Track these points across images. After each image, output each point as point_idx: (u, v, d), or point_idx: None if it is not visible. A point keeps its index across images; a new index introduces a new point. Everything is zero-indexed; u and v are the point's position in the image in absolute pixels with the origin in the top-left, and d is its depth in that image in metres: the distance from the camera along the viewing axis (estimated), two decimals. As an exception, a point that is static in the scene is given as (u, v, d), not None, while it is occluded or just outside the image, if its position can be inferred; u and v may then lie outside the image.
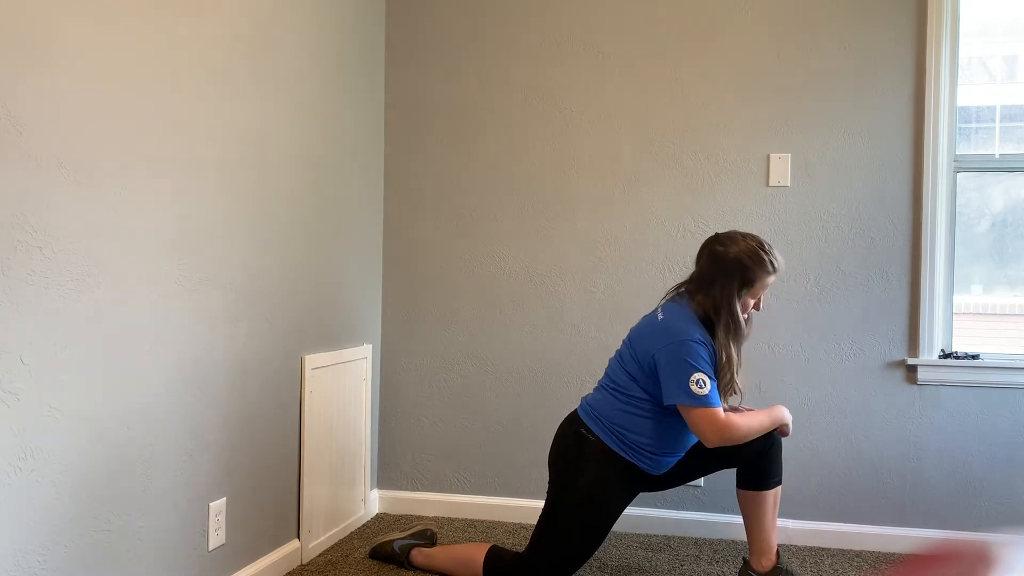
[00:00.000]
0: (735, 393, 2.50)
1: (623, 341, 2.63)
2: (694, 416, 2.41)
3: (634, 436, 2.51)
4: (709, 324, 2.50)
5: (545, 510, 2.59)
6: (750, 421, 2.46)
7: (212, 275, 2.41)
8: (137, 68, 2.09)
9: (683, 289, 2.58)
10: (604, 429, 2.53)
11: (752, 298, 2.51)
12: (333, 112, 3.09)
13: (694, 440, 2.58)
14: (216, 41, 2.40)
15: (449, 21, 3.49)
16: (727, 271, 2.48)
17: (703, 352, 2.42)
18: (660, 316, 2.51)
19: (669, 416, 2.51)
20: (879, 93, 3.16)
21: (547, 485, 2.63)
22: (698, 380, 2.38)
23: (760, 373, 3.23)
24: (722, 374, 2.47)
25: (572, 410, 2.73)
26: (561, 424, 2.66)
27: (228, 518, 2.51)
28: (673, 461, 2.61)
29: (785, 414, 2.57)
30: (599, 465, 2.52)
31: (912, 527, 3.15)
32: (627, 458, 2.52)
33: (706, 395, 2.38)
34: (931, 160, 3.11)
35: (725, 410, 2.48)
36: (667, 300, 2.58)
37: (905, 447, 3.17)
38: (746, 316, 2.51)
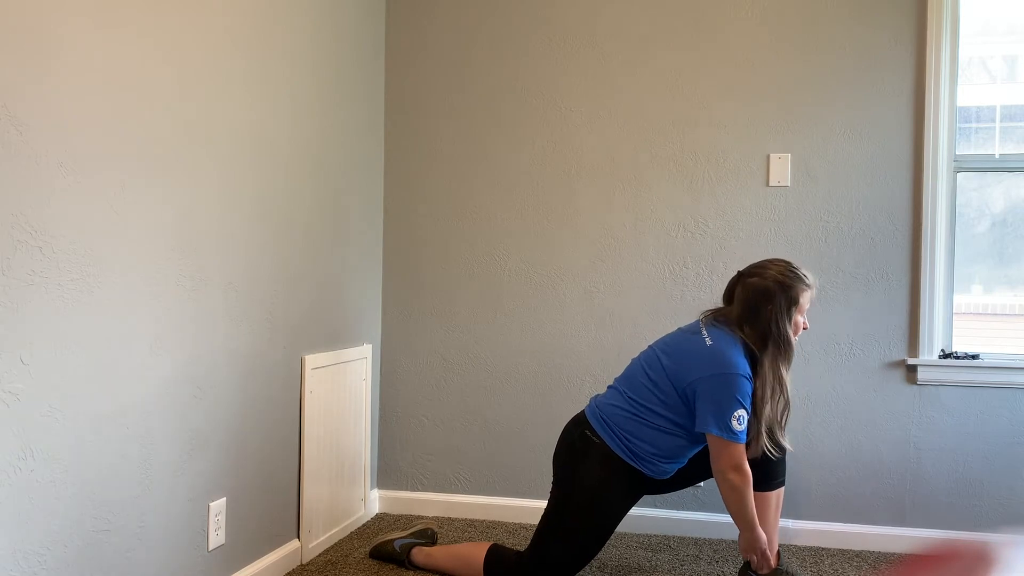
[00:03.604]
0: (762, 444, 2.50)
1: (652, 348, 2.62)
2: (721, 448, 2.44)
3: (641, 444, 2.52)
4: (751, 356, 2.51)
5: (548, 510, 2.59)
6: (749, 501, 2.48)
7: (212, 275, 2.41)
8: (137, 68, 2.09)
9: (723, 318, 2.57)
10: (611, 433, 2.53)
11: (800, 315, 2.53)
12: (333, 112, 3.09)
13: (697, 450, 2.59)
14: (217, 41, 2.40)
15: (449, 21, 3.49)
16: (770, 294, 2.51)
17: (748, 388, 2.45)
18: (708, 341, 2.49)
19: (680, 431, 2.51)
20: (879, 93, 3.16)
21: (549, 485, 2.63)
22: (739, 416, 2.42)
23: (760, 373, 3.23)
24: (773, 401, 2.49)
25: (579, 410, 2.74)
26: (567, 424, 2.66)
27: (228, 518, 2.51)
28: (676, 468, 2.62)
29: (762, 543, 2.54)
30: (603, 468, 2.52)
31: (912, 527, 3.15)
32: (632, 464, 2.52)
33: (742, 431, 2.43)
34: (931, 160, 3.11)
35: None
36: (710, 324, 2.55)
37: (905, 447, 3.17)
38: (796, 335, 2.54)
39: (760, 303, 2.51)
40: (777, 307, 2.50)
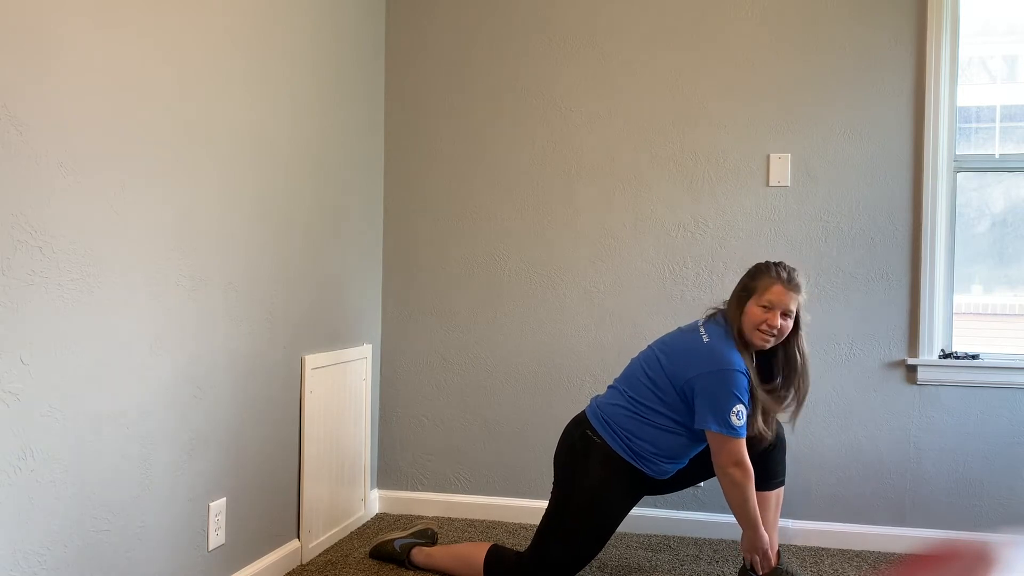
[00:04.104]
0: (760, 432, 2.51)
1: (651, 348, 2.63)
2: (721, 444, 2.44)
3: (643, 444, 2.52)
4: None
5: (548, 510, 2.59)
6: (751, 497, 2.48)
7: (212, 275, 2.41)
8: (137, 68, 2.09)
9: (720, 317, 2.59)
10: (612, 433, 2.53)
11: (759, 306, 2.49)
12: (333, 112, 3.09)
13: (699, 450, 2.59)
14: (216, 41, 2.40)
15: (449, 21, 3.49)
16: (738, 283, 2.60)
17: (745, 383, 2.45)
18: (705, 338, 2.50)
19: (681, 429, 2.51)
20: (879, 93, 3.16)
21: (549, 485, 2.63)
22: (738, 412, 2.42)
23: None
24: (767, 386, 2.53)
25: (579, 410, 2.74)
26: (567, 425, 2.66)
27: (228, 518, 2.51)
28: (676, 468, 2.62)
29: (764, 542, 2.54)
30: (604, 468, 2.52)
31: (912, 527, 3.15)
32: (632, 463, 2.52)
33: (741, 426, 2.43)
34: (931, 160, 3.11)
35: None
36: (709, 322, 2.57)
37: (905, 447, 3.17)
38: (762, 331, 2.49)
39: (732, 294, 2.60)
40: (737, 294, 2.56)
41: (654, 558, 3.04)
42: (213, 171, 2.40)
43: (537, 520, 3.27)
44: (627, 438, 2.52)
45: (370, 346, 3.43)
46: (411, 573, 2.83)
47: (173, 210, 2.24)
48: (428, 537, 2.94)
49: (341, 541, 3.16)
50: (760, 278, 2.53)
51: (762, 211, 3.25)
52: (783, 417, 2.66)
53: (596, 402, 2.64)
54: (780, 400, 2.59)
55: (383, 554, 2.90)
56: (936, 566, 1.23)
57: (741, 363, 2.45)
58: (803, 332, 2.58)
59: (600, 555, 3.03)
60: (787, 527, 3.19)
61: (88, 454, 1.97)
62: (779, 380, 2.59)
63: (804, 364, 2.59)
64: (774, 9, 3.23)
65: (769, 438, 2.56)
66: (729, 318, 2.54)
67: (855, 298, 3.19)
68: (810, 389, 2.63)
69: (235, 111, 2.50)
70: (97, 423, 1.99)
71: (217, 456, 2.45)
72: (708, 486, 3.21)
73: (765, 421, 2.54)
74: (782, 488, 2.70)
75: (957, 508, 3.13)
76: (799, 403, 2.60)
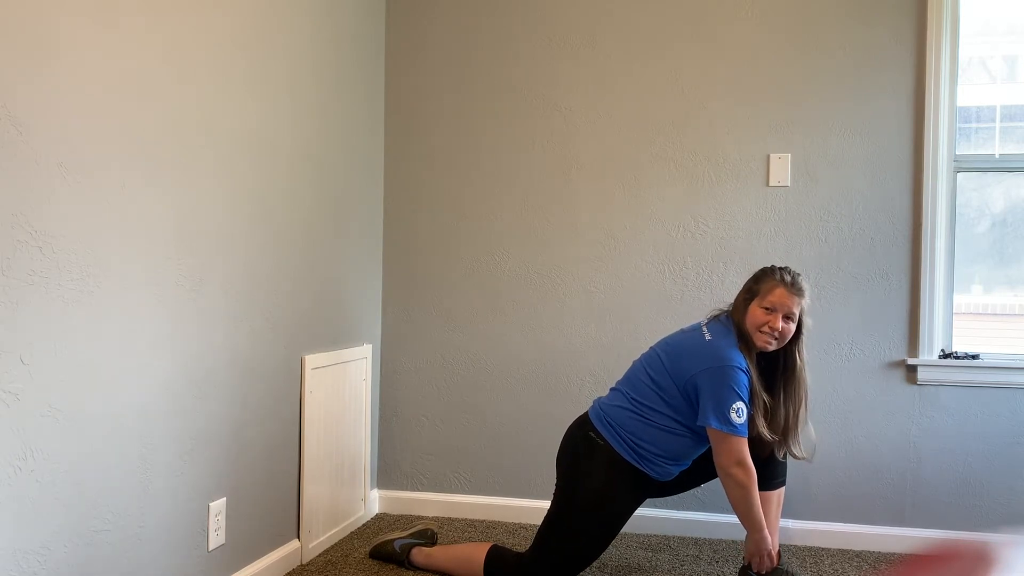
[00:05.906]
0: (767, 434, 2.52)
1: (653, 349, 2.63)
2: (722, 441, 2.44)
3: (647, 445, 2.52)
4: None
5: (551, 512, 2.59)
6: (755, 499, 2.47)
7: (212, 275, 2.41)
8: (137, 68, 2.09)
9: (724, 316, 2.60)
10: (615, 435, 2.53)
11: (761, 308, 2.50)
12: (333, 112, 3.09)
13: (702, 451, 2.59)
14: (216, 41, 2.40)
15: (449, 21, 3.49)
16: (743, 286, 2.62)
17: (745, 381, 2.45)
18: (707, 336, 2.52)
19: (685, 430, 2.52)
20: (879, 93, 3.16)
21: (549, 485, 2.63)
22: (738, 409, 2.42)
23: (760, 373, 3.23)
24: (773, 393, 2.55)
25: (579, 410, 2.74)
26: (570, 426, 2.66)
27: (228, 518, 2.51)
28: (680, 469, 2.62)
29: (768, 545, 2.53)
30: (607, 469, 2.52)
31: (912, 527, 3.15)
32: (636, 465, 2.52)
33: (742, 424, 2.43)
34: (931, 160, 3.11)
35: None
36: (712, 322, 2.58)
37: (905, 447, 3.16)
38: (764, 332, 2.49)
39: (736, 297, 2.62)
40: (740, 295, 2.59)
41: (654, 558, 3.04)
42: (213, 171, 2.40)
43: (537, 520, 3.27)
44: (630, 440, 2.52)
45: (370, 346, 3.43)
46: (411, 573, 2.83)
47: (173, 210, 2.24)
48: (428, 537, 2.94)
49: (341, 541, 3.16)
50: (764, 281, 2.54)
51: (762, 211, 3.25)
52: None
53: (599, 403, 2.64)
54: (780, 411, 2.58)
55: (383, 554, 2.90)
56: (936, 566, 1.23)
57: (742, 361, 2.46)
58: (803, 338, 2.58)
59: (600, 555, 3.03)
60: (787, 527, 3.19)
61: (88, 454, 1.97)
62: (778, 389, 2.59)
63: (802, 370, 2.60)
64: (774, 9, 3.23)
65: (798, 453, 2.59)
66: (733, 319, 2.55)
67: (855, 298, 3.19)
68: (809, 397, 2.64)
69: (235, 111, 2.50)
70: (97, 423, 1.99)
71: (217, 456, 2.45)
72: (708, 485, 3.21)
73: (784, 436, 2.56)
74: (783, 488, 2.70)
75: (957, 508, 3.13)
76: (797, 414, 2.60)
